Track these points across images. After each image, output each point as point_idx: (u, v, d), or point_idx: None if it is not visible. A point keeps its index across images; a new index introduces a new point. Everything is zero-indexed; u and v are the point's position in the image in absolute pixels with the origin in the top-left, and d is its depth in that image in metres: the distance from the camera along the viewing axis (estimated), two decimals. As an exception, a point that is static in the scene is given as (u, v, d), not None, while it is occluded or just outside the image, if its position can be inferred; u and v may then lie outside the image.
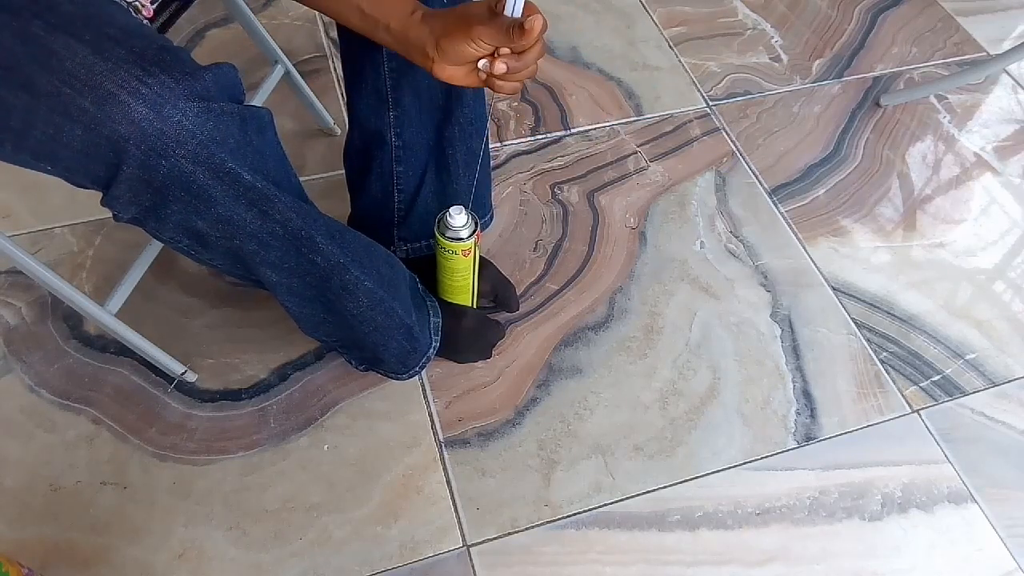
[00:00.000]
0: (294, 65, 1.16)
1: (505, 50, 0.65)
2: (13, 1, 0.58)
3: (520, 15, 0.62)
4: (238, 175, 0.63)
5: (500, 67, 0.66)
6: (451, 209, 0.88)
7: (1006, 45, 1.58)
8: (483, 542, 0.92)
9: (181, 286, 1.10)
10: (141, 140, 0.57)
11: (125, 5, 0.71)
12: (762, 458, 1.01)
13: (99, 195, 0.64)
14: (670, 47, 1.49)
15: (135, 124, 0.57)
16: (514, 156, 1.29)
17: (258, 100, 1.09)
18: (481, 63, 0.66)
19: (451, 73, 0.68)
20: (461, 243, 0.90)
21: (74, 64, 0.56)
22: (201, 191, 0.62)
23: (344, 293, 0.79)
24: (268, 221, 0.68)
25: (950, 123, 1.43)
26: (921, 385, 1.10)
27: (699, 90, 1.42)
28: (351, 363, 1.01)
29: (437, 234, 0.90)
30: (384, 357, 0.95)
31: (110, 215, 0.66)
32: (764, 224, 1.25)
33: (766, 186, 1.30)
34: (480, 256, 1.01)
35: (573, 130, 1.34)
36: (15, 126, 0.60)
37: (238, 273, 0.80)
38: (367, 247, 0.83)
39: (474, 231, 0.90)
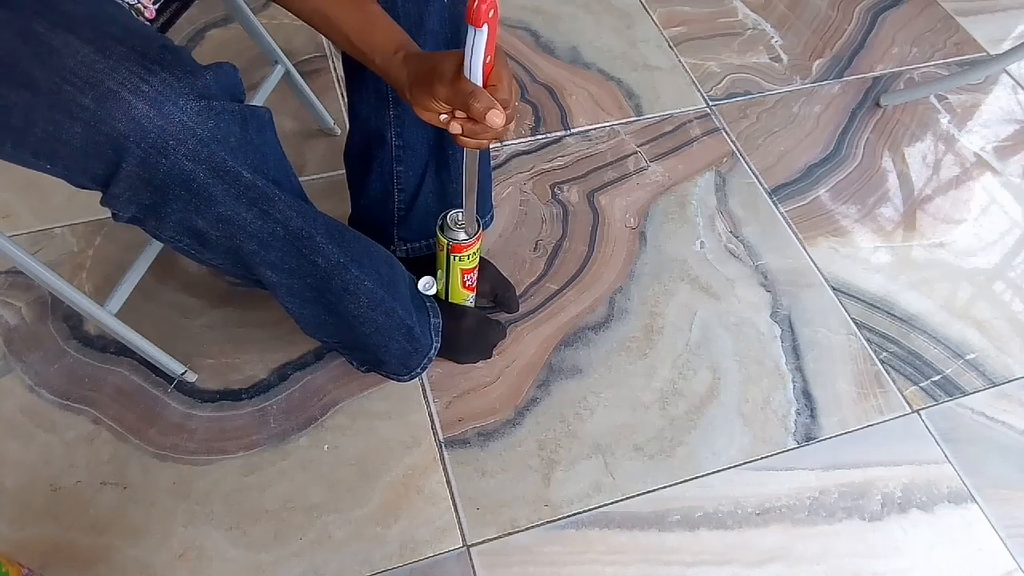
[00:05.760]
0: (294, 65, 1.17)
1: (462, 112, 0.65)
2: None
3: (479, 81, 0.62)
4: (239, 174, 0.63)
5: (455, 128, 0.66)
6: (454, 210, 0.88)
7: (1006, 45, 1.58)
8: (483, 542, 0.92)
9: (181, 286, 1.10)
10: (141, 138, 0.57)
11: (127, 6, 0.71)
12: (762, 458, 1.01)
13: (99, 195, 0.63)
14: (670, 47, 1.49)
15: (135, 122, 0.57)
16: (514, 156, 1.29)
17: (258, 100, 1.09)
18: (441, 117, 0.66)
19: (427, 117, 0.68)
20: (462, 244, 0.90)
21: (75, 61, 0.56)
22: (201, 190, 0.62)
23: (345, 294, 0.79)
24: (269, 221, 0.68)
25: (950, 123, 1.43)
26: (921, 385, 1.10)
27: (699, 90, 1.42)
28: (353, 364, 1.01)
29: (439, 234, 0.90)
30: (385, 358, 0.95)
31: (110, 215, 0.66)
32: (764, 224, 1.25)
33: (766, 186, 1.30)
34: (480, 256, 1.01)
35: (573, 130, 1.34)
36: (15, 124, 0.60)
37: (238, 273, 0.79)
38: (367, 247, 0.83)
39: (476, 232, 0.90)
